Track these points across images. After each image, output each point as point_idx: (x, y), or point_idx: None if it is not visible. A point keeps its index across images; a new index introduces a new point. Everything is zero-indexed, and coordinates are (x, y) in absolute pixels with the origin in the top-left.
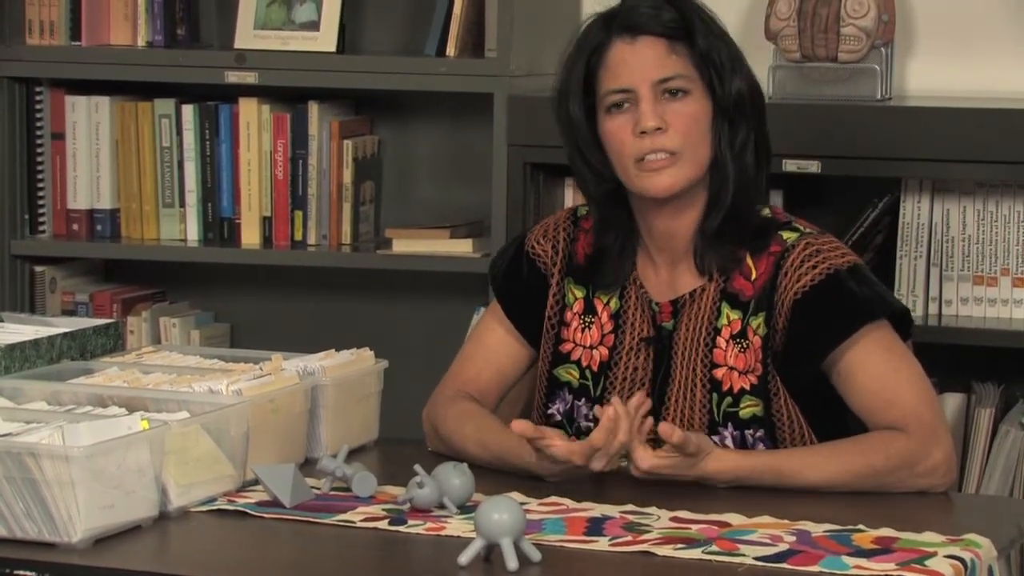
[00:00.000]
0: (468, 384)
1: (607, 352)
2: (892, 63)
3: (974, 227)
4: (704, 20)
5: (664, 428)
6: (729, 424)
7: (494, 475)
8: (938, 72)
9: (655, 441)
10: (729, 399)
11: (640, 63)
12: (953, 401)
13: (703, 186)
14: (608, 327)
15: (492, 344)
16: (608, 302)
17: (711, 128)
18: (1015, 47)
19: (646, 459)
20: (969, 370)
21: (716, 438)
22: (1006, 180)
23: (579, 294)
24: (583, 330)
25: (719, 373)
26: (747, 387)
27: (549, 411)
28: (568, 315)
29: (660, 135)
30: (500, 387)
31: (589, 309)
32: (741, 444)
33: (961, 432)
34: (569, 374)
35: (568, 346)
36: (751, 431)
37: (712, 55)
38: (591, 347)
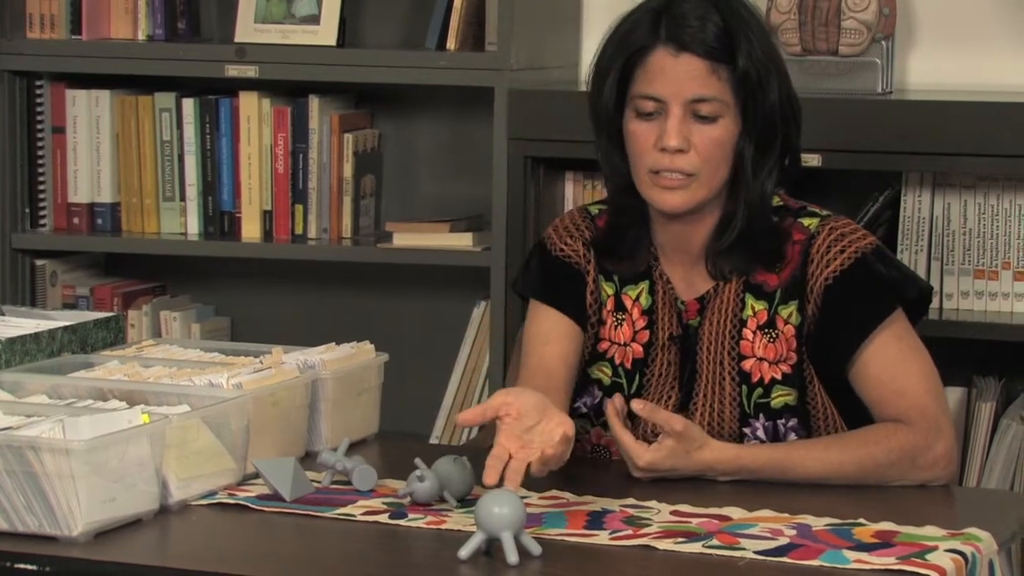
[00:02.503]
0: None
1: (641, 349)
2: (893, 57)
3: (975, 221)
4: (748, 36)
5: (636, 404)
6: (761, 415)
7: None
8: (939, 66)
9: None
10: (760, 390)
11: (678, 78)
12: (954, 395)
13: (718, 202)
14: (640, 323)
15: (546, 363)
16: (637, 298)
17: (735, 149)
18: (1016, 40)
19: (642, 455)
20: (970, 364)
21: (748, 430)
22: (1007, 174)
23: (610, 291)
24: (616, 327)
25: (747, 365)
26: (778, 377)
27: (576, 404)
28: (603, 312)
29: (680, 156)
30: (565, 393)
31: (619, 306)
32: (773, 434)
33: (962, 426)
34: (601, 372)
35: (604, 344)
36: (783, 421)
37: (750, 75)
38: (625, 344)
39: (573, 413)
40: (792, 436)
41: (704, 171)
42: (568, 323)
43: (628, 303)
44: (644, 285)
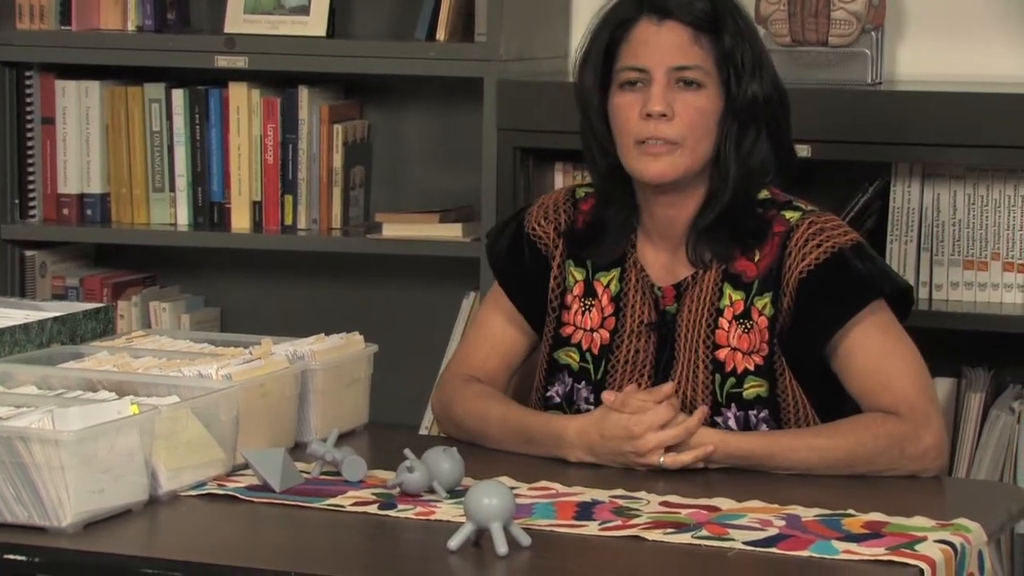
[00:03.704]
0: (476, 371)
1: (608, 335)
2: (882, 47)
3: (964, 211)
4: (736, 19)
5: (607, 395)
6: (732, 405)
7: (484, 460)
8: (928, 56)
9: None
10: (732, 380)
11: (661, 47)
12: (943, 386)
13: (703, 179)
14: (609, 310)
15: (497, 330)
16: (608, 284)
17: (718, 125)
18: (1005, 31)
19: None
20: (959, 355)
21: (719, 419)
22: (996, 164)
23: (579, 276)
24: (583, 313)
25: (722, 354)
26: (751, 367)
27: (548, 393)
28: (568, 298)
29: (664, 122)
30: (507, 373)
31: (589, 292)
32: (744, 424)
33: (951, 417)
34: (569, 357)
35: (569, 329)
36: (755, 411)
37: (735, 55)
38: (591, 330)
39: (547, 403)
40: (763, 427)
41: (688, 139)
42: (517, 329)
43: (599, 289)
44: (616, 272)
